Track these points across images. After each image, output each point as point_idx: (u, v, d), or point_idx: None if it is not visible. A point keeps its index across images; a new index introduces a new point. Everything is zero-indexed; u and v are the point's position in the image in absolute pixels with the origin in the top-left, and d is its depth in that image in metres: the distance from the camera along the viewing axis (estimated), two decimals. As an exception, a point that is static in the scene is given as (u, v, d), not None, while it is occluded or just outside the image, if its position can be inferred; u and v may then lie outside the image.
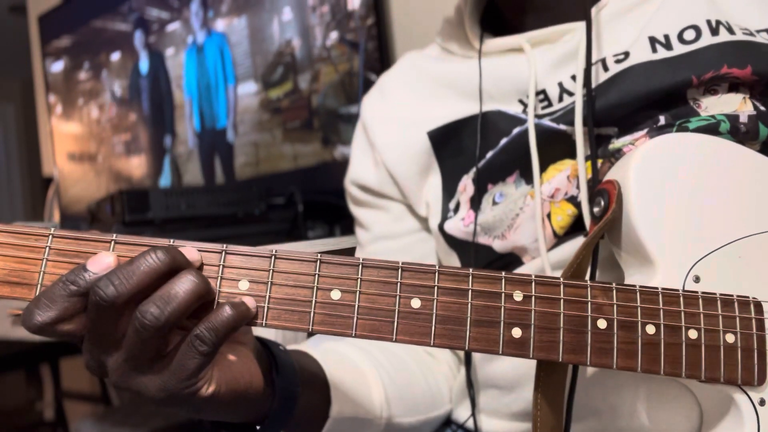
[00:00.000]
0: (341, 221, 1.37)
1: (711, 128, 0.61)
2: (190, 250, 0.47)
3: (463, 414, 0.77)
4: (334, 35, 1.47)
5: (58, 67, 2.39)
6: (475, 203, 0.72)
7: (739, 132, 0.61)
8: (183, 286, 0.44)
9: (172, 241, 0.46)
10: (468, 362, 0.74)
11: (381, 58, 1.39)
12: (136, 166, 2.10)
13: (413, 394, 0.73)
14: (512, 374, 0.69)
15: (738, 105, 0.62)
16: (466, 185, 0.73)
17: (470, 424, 0.75)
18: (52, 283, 0.45)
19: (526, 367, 0.66)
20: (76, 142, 2.35)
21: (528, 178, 0.69)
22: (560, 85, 0.69)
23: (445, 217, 0.74)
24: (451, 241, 0.73)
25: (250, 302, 0.47)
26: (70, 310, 0.44)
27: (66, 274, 0.45)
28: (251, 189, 1.36)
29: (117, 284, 0.43)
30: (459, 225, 0.72)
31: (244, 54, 1.70)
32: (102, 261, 0.45)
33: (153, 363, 0.46)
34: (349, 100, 1.45)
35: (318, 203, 1.40)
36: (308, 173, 1.54)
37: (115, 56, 2.14)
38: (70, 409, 2.84)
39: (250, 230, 1.33)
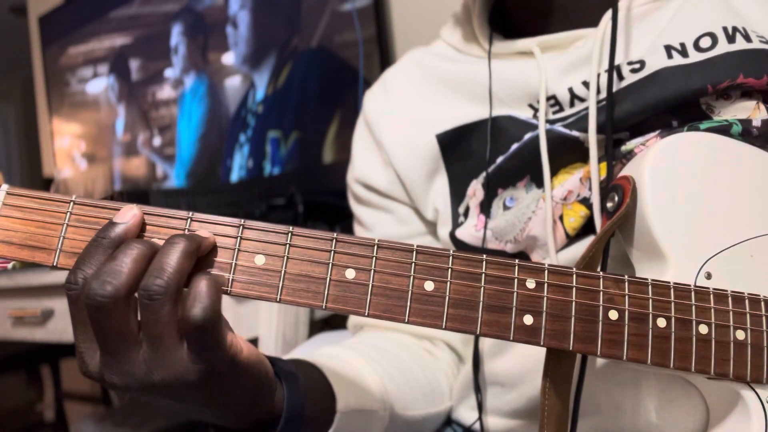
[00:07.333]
0: (341, 222, 1.37)
1: (722, 130, 0.61)
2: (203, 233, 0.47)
3: (464, 413, 0.77)
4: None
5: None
6: (485, 208, 0.71)
7: (751, 135, 0.61)
8: (172, 249, 0.44)
9: (191, 213, 0.46)
10: (476, 364, 0.73)
11: (381, 59, 1.40)
12: (136, 166, 2.09)
13: (411, 388, 0.72)
14: (515, 371, 0.69)
15: (751, 111, 0.63)
16: (475, 190, 0.73)
17: (476, 425, 0.75)
18: (86, 246, 0.45)
19: (530, 363, 0.66)
20: (77, 142, 2.35)
21: (539, 182, 0.69)
22: (570, 90, 0.68)
23: (456, 224, 0.74)
24: (462, 247, 0.73)
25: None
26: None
27: (97, 232, 0.45)
28: (251, 189, 1.36)
29: (110, 280, 0.42)
30: (471, 231, 0.72)
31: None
32: (127, 213, 0.46)
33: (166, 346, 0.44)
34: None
35: (318, 203, 1.40)
36: (309, 173, 1.54)
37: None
38: (71, 410, 2.82)
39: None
